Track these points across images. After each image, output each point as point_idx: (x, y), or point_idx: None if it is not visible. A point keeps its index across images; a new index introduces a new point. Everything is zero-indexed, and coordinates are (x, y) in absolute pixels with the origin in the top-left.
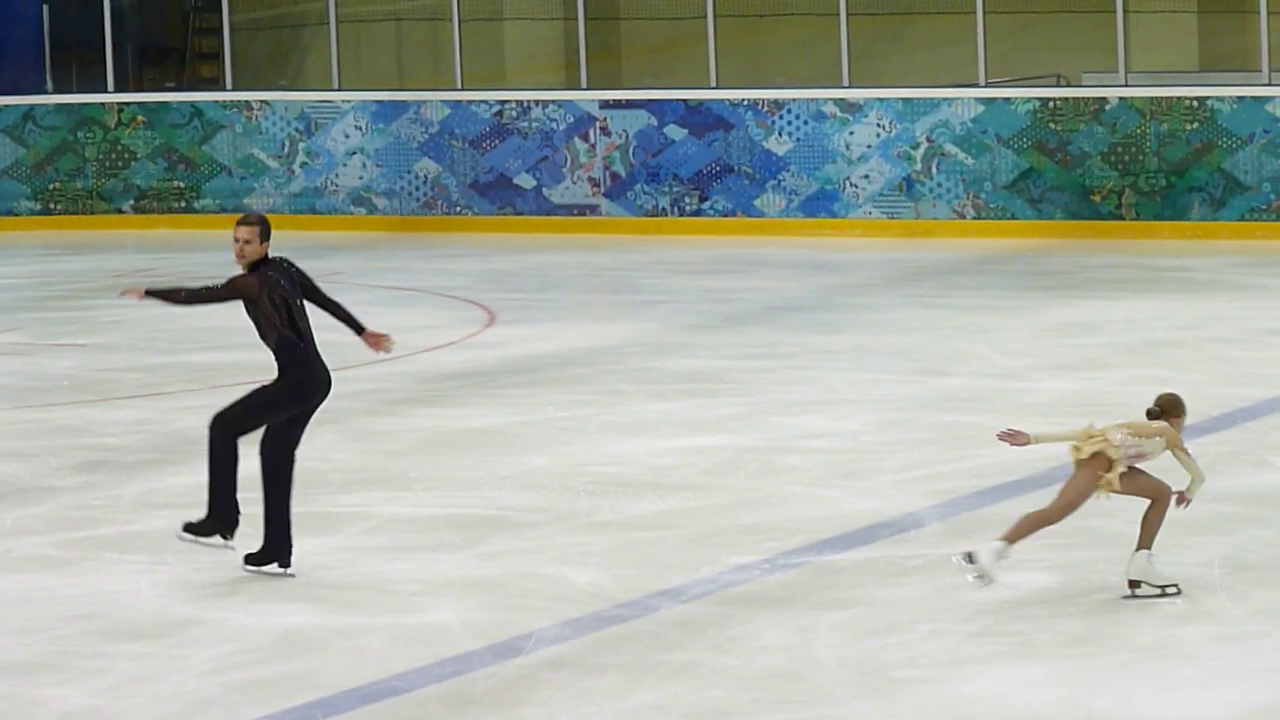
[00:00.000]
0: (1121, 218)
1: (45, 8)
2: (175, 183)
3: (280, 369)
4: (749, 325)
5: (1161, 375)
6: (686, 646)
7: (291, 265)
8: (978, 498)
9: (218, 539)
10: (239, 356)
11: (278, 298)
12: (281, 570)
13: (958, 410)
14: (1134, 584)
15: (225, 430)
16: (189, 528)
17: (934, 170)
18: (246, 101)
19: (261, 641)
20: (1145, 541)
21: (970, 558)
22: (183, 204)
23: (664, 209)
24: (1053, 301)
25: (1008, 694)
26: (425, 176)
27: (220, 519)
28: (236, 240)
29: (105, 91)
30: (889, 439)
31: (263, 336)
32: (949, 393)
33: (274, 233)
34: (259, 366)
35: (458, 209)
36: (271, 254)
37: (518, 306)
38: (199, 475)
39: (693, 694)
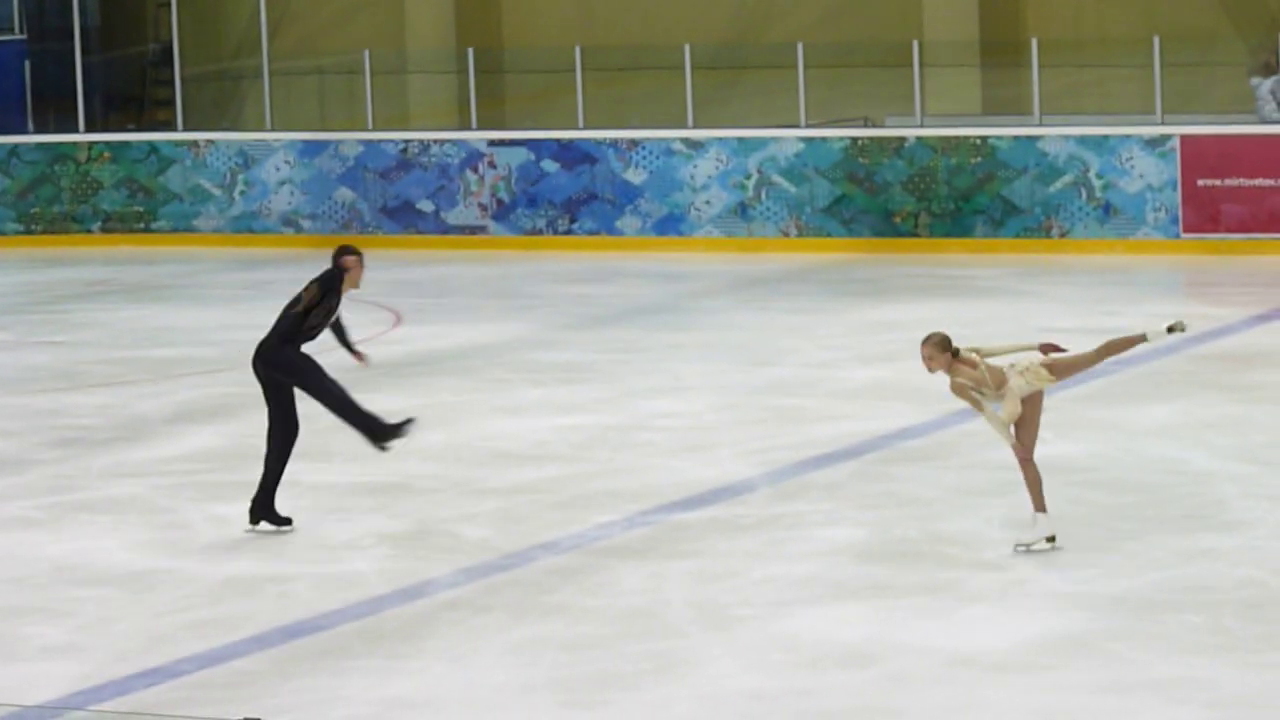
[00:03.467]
0: (918, 235)
1: (27, 62)
2: (136, 208)
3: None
4: (611, 325)
5: None
6: (560, 590)
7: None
8: (800, 466)
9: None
10: (190, 352)
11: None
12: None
13: (784, 394)
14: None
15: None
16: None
17: (763, 197)
18: (194, 140)
19: (207, 588)
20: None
21: (1028, 548)
22: (142, 225)
23: (541, 229)
24: (862, 305)
25: (826, 629)
26: (343, 202)
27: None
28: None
29: (77, 132)
30: (727, 418)
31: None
32: (777, 380)
33: (216, 249)
34: (208, 360)
35: (370, 229)
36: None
37: (420, 310)
38: (155, 450)
39: (566, 629)
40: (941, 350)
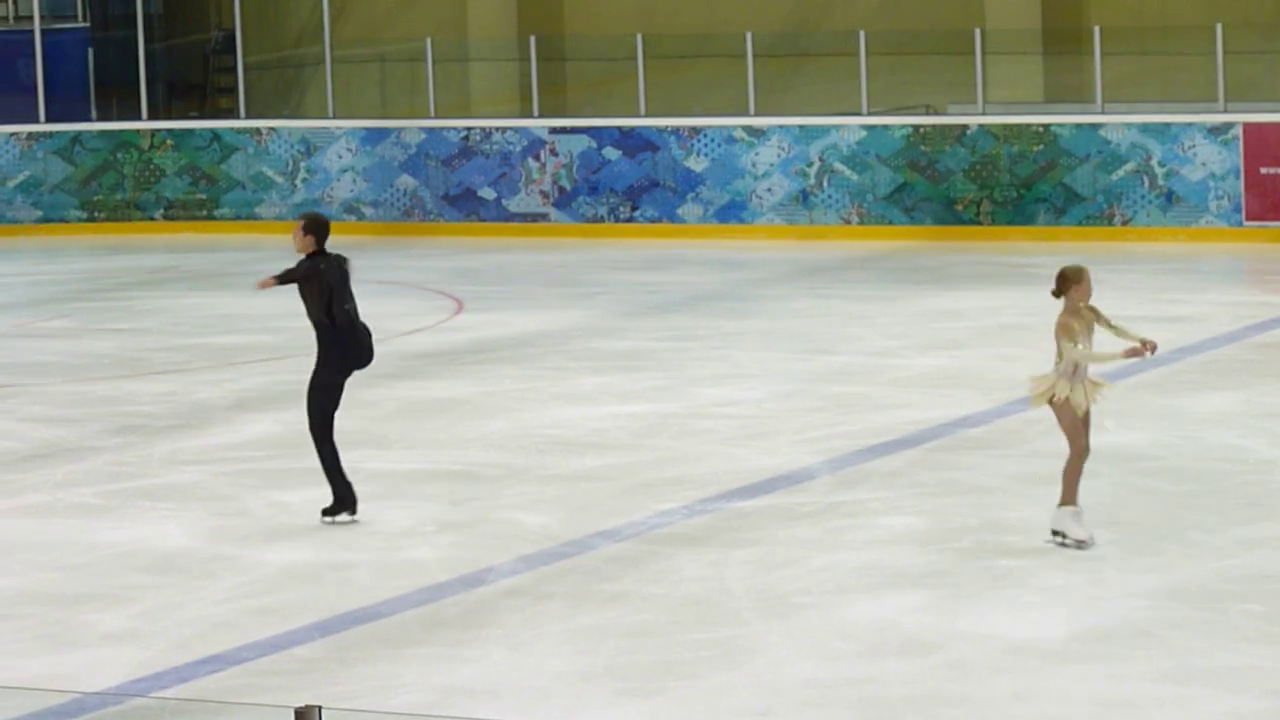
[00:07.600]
0: (980, 223)
1: (90, 50)
2: (198, 195)
3: (318, 348)
4: (672, 312)
5: (1012, 353)
6: (620, 578)
7: (344, 261)
8: (860, 455)
9: (345, 516)
10: (252, 339)
11: (322, 285)
12: (350, 518)
13: (844, 382)
14: (1055, 533)
15: (319, 431)
16: (325, 511)
17: (825, 184)
18: (257, 128)
19: (268, 574)
20: (1067, 497)
21: (1061, 535)
22: (204, 213)
23: (602, 217)
24: (923, 293)
25: (884, 616)
26: (405, 190)
27: (342, 501)
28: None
29: (140, 119)
30: (787, 406)
31: (309, 315)
32: (837, 368)
33: (279, 237)
34: (269, 348)
35: (432, 217)
36: (329, 250)
37: (481, 297)
38: (216, 438)
39: (625, 617)
40: (1064, 281)
